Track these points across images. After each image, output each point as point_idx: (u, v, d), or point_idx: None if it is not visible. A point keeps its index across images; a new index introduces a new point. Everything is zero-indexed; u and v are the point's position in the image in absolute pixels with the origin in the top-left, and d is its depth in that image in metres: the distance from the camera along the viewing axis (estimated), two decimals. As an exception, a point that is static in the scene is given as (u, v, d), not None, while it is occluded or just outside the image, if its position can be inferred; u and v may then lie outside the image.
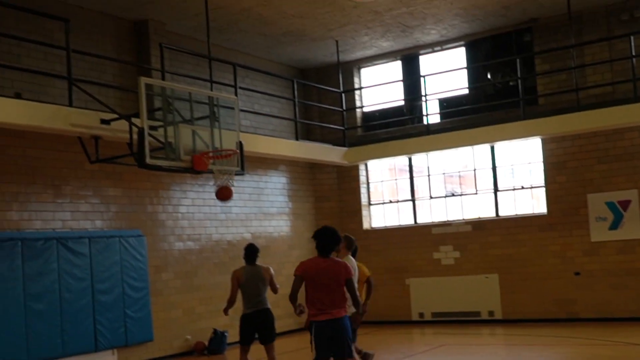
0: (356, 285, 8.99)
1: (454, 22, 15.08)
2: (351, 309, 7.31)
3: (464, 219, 16.39)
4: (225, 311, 9.91)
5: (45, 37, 11.64)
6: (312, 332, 6.91)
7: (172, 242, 13.65)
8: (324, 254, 6.95)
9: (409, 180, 17.29)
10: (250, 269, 9.84)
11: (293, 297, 7.00)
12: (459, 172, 16.82)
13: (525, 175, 15.88)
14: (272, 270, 9.92)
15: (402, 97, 17.27)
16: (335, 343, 6.86)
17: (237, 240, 14.65)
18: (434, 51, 16.86)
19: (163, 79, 11.58)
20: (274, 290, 9.84)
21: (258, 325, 9.73)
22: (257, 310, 9.70)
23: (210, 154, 10.55)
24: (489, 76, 16.45)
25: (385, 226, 17.45)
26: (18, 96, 10.62)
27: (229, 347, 13.77)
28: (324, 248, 6.95)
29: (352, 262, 9.10)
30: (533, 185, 15.76)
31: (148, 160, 9.75)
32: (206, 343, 13.71)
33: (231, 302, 9.90)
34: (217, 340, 13.61)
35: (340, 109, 16.38)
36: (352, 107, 17.35)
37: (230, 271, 10.05)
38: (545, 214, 15.36)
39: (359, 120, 17.71)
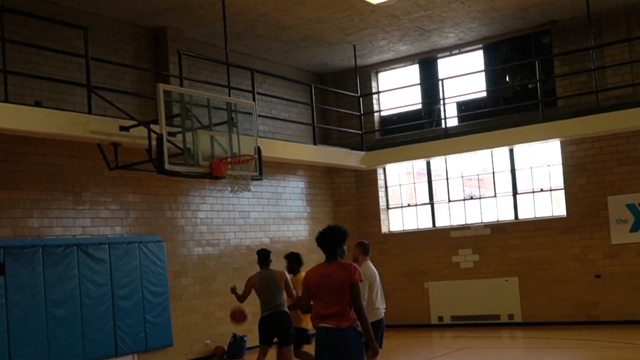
0: (379, 289, 8.95)
1: (472, 25, 15.03)
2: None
3: (482, 222, 16.32)
4: (233, 290, 10.20)
5: (64, 45, 11.75)
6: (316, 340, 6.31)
7: (191, 248, 13.71)
8: (327, 257, 6.24)
9: (427, 184, 17.25)
10: (263, 273, 10.03)
11: (305, 310, 6.43)
12: (477, 175, 16.76)
13: (544, 177, 15.80)
14: (287, 275, 9.99)
15: (420, 101, 17.23)
16: (337, 357, 6.08)
17: (256, 245, 14.66)
18: (451, 54, 16.82)
19: (181, 85, 11.63)
20: (289, 294, 9.90)
21: (275, 328, 9.84)
22: (272, 313, 9.87)
23: (229, 160, 10.59)
24: (507, 79, 16.39)
25: (404, 230, 17.42)
26: (38, 104, 10.73)
27: (248, 351, 13.80)
28: (325, 250, 6.24)
29: (370, 268, 9.00)
30: (552, 188, 15.67)
31: (167, 167, 9.80)
32: (226, 348, 13.75)
33: (239, 301, 10.26)
34: (237, 345, 13.65)
35: (358, 113, 16.37)
36: (369, 111, 17.33)
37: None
38: (565, 216, 15.27)
39: (376, 124, 17.70)
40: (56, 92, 11.67)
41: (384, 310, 8.94)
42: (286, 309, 9.92)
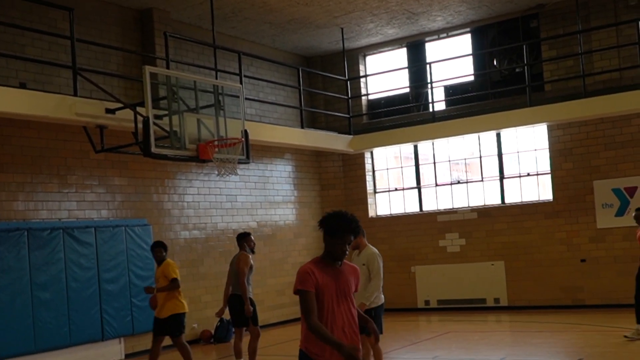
0: (381, 274, 8.98)
1: (460, 8, 14.99)
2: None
3: (469, 207, 16.36)
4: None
5: (50, 26, 11.62)
6: None
7: (178, 231, 13.66)
8: None
9: (414, 168, 17.25)
10: (234, 256, 10.22)
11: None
12: (464, 159, 16.77)
13: (531, 162, 15.83)
14: (248, 260, 10.09)
15: (408, 85, 17.19)
16: None
17: (243, 228, 14.61)
18: (439, 38, 16.78)
19: (168, 67, 11.53)
20: (239, 276, 9.93)
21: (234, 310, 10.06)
22: (231, 295, 10.13)
23: (216, 143, 10.54)
24: (495, 63, 16.37)
25: (391, 214, 17.43)
26: (23, 86, 10.64)
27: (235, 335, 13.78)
28: None
29: (373, 249, 9.03)
30: (539, 172, 15.72)
31: (153, 149, 9.75)
32: (212, 331, 13.75)
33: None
34: (224, 329, 13.65)
35: (346, 97, 16.32)
36: (357, 95, 17.28)
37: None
38: (551, 200, 15.32)
39: (364, 107, 17.66)
40: (41, 74, 11.55)
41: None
42: (238, 292, 10.02)
